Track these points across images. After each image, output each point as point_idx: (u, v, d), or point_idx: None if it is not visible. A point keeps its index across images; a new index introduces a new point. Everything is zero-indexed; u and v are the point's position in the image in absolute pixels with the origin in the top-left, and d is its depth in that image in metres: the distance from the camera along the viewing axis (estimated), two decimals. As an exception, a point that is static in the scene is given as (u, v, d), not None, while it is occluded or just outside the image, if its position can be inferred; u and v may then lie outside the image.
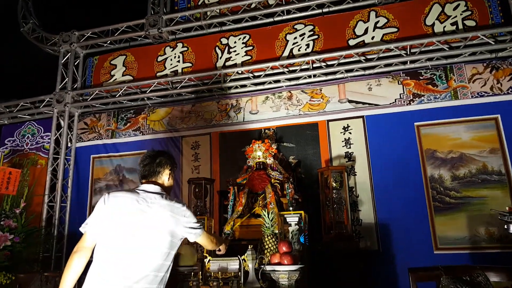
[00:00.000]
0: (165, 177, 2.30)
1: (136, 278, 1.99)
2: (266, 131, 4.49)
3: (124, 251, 2.06)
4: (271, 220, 2.81)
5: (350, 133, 4.28)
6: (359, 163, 4.16)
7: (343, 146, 4.26)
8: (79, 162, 5.12)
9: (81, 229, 2.12)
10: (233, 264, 2.53)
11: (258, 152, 3.90)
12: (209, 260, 2.49)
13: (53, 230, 4.59)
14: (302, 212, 2.75)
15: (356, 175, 4.13)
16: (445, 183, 3.90)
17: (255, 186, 3.68)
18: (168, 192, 2.31)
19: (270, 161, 3.88)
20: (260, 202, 3.61)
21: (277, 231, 2.83)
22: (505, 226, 1.65)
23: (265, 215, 2.82)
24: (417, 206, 3.88)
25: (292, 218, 2.79)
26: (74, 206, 4.89)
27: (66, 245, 4.67)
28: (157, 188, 2.23)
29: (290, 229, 2.78)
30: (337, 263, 3.22)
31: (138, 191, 2.20)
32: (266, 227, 2.82)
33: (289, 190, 3.65)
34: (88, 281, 2.03)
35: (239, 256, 2.54)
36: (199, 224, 2.19)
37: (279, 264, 2.27)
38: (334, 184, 3.67)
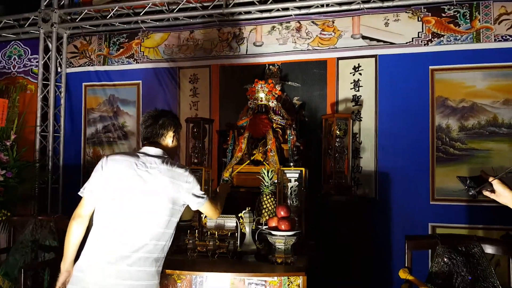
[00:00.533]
0: (168, 140, 2.17)
1: (135, 247, 1.95)
2: (271, 67, 4.19)
3: (121, 218, 2.00)
4: (270, 179, 2.72)
5: (360, 74, 4.01)
6: (366, 107, 3.97)
7: (351, 89, 4.02)
8: (71, 90, 4.87)
9: (79, 193, 2.05)
10: (230, 222, 2.51)
11: (261, 94, 3.67)
12: (206, 215, 2.46)
13: (48, 161, 4.53)
14: (303, 169, 2.65)
15: (361, 120, 3.97)
16: (452, 133, 3.78)
17: (256, 131, 3.54)
18: (172, 155, 2.19)
19: (273, 103, 3.67)
20: (260, 149, 3.49)
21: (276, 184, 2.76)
22: (467, 192, 1.66)
23: (264, 174, 2.73)
24: (420, 156, 3.80)
25: (292, 174, 2.70)
26: (68, 136, 4.76)
27: (62, 176, 4.66)
28: (158, 151, 2.11)
29: (290, 185, 2.70)
30: (336, 214, 3.24)
31: (138, 154, 2.09)
32: (265, 185, 2.75)
33: (291, 137, 3.52)
34: (87, 247, 2.00)
35: (236, 219, 2.50)
36: (203, 192, 2.10)
37: (276, 229, 2.24)
38: (338, 133, 3.53)
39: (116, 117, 4.60)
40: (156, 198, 1.97)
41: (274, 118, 3.63)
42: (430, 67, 3.86)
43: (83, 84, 4.82)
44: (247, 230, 2.44)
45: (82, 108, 4.80)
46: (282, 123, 3.58)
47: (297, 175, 2.70)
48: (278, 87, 3.74)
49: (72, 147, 4.71)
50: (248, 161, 3.44)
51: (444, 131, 3.79)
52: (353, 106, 4.01)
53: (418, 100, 3.86)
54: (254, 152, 3.51)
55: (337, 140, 3.52)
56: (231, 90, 4.28)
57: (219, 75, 4.34)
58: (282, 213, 2.26)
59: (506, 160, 3.63)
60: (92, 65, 4.81)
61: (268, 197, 2.74)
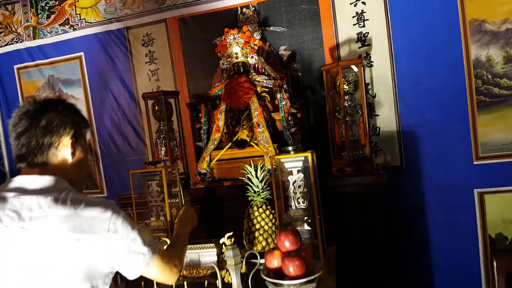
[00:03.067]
0: (63, 153, 1.23)
1: None
2: (244, 10, 3.16)
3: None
4: (262, 180, 1.82)
5: (364, 3, 2.99)
6: (377, 48, 2.99)
7: (354, 25, 3.02)
8: (2, 76, 3.85)
9: None
10: (207, 255, 1.64)
11: (235, 48, 2.69)
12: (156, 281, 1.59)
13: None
14: (309, 154, 1.74)
15: (372, 66, 3.00)
16: (495, 67, 2.83)
17: (235, 101, 2.60)
18: (77, 181, 1.27)
19: (253, 59, 2.70)
20: (244, 123, 2.57)
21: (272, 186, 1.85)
22: None
23: (250, 174, 1.82)
24: (454, 103, 2.88)
25: (294, 163, 1.79)
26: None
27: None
28: (45, 181, 1.18)
29: (291, 178, 1.81)
30: (357, 202, 2.36)
31: (6, 193, 1.15)
32: (253, 192, 1.85)
33: (284, 102, 2.58)
34: None
35: (216, 243, 1.63)
36: (144, 244, 1.21)
37: (280, 273, 1.36)
38: (347, 88, 2.59)
39: (60, 103, 3.62)
40: (47, 279, 1.09)
41: (258, 79, 2.67)
42: (459, -20, 2.83)
43: (15, 67, 3.80)
44: (234, 279, 1.54)
45: (19, 98, 3.81)
46: (268, 84, 2.63)
47: (300, 163, 1.78)
48: (257, 36, 2.74)
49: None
50: (230, 143, 2.53)
51: (484, 66, 2.84)
52: (359, 48, 3.03)
53: (445, 28, 2.87)
54: (236, 129, 2.59)
55: (346, 97, 2.59)
56: (198, 49, 3.27)
57: (179, 31, 3.31)
58: (288, 245, 1.39)
59: None
60: (21, 41, 3.76)
61: (261, 210, 1.85)
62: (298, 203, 1.81)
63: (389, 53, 2.96)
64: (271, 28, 3.15)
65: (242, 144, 2.52)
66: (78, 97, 3.56)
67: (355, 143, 2.61)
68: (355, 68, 2.63)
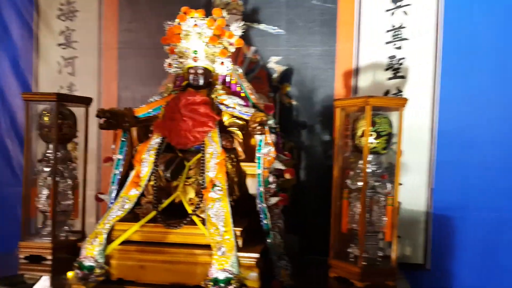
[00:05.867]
0: None
1: None
2: (224, -12, 2.03)
3: None
4: None
5: (405, 13, 1.96)
6: (414, 84, 1.95)
7: (387, 43, 1.98)
8: None
9: None
10: None
11: (194, 42, 1.55)
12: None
13: None
14: None
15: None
16: None
17: (179, 134, 1.44)
18: None
19: (223, 67, 1.57)
20: (189, 177, 1.42)
21: None
22: None
23: None
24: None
25: None
26: None
27: None
28: None
29: None
30: None
31: None
32: None
33: (265, 150, 1.46)
34: None
35: None
36: None
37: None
38: (375, 142, 1.50)
39: None
40: None
41: (227, 102, 1.54)
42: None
43: None
44: None
45: None
46: (244, 115, 1.50)
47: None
48: (236, 30, 1.60)
49: None
50: (154, 212, 1.36)
51: None
52: (388, 79, 1.98)
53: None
54: (173, 185, 1.43)
55: (370, 157, 1.50)
56: (145, 37, 2.12)
57: (118, 7, 2.14)
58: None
59: None
60: None
61: None
62: None
63: (432, 97, 1.94)
64: (262, 27, 2.05)
65: (176, 215, 1.36)
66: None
67: (372, 238, 1.51)
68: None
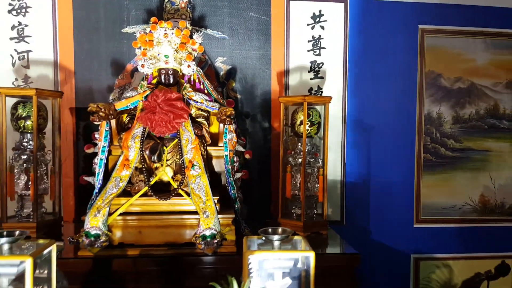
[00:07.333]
0: None
1: None
2: (174, -2, 2.32)
3: None
4: None
5: (322, 27, 2.49)
6: (330, 83, 2.51)
7: (309, 50, 2.49)
8: None
9: None
10: None
11: (165, 48, 1.85)
12: None
13: None
14: (311, 253, 1.04)
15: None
16: (444, 126, 2.63)
17: (160, 124, 1.74)
18: None
19: (189, 69, 1.90)
20: (169, 157, 1.74)
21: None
22: None
23: None
24: (402, 160, 2.59)
25: (280, 262, 1.07)
26: None
27: None
28: None
29: (271, 286, 1.08)
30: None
31: None
32: None
33: (229, 137, 1.85)
34: None
35: None
36: None
37: None
38: (310, 129, 2.00)
39: None
40: None
41: (195, 98, 1.88)
42: (420, 26, 2.58)
43: None
44: None
45: None
46: (211, 108, 1.86)
47: (291, 263, 1.06)
48: (197, 38, 1.95)
49: None
50: (146, 187, 1.66)
51: (435, 123, 2.62)
52: (311, 78, 2.50)
53: (403, 75, 2.58)
54: (155, 165, 1.74)
55: (308, 144, 2.00)
56: (99, 31, 2.30)
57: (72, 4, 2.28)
58: None
59: (506, 164, 2.69)
60: None
61: None
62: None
63: (343, 91, 2.52)
64: (208, 31, 2.39)
65: (163, 190, 1.68)
66: None
67: (309, 199, 2.02)
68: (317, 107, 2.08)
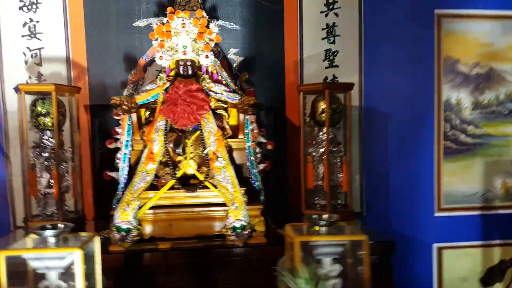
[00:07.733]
0: None
1: None
2: (186, -12, 2.27)
3: None
4: None
5: (336, 14, 2.44)
6: (345, 71, 2.46)
7: (323, 38, 2.44)
8: None
9: None
10: None
11: (183, 38, 1.81)
12: None
13: None
14: (363, 238, 1.00)
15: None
16: (463, 112, 2.59)
17: (182, 117, 1.70)
18: None
19: (207, 60, 1.86)
20: (191, 149, 1.70)
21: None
22: None
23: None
24: (422, 148, 2.54)
25: (328, 249, 1.03)
26: None
27: None
28: None
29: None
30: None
31: None
32: None
33: (250, 127, 1.82)
34: None
35: None
36: None
37: None
38: (333, 117, 1.96)
39: None
40: None
41: (214, 89, 1.85)
42: (436, 11, 2.53)
43: None
44: None
45: None
46: (231, 99, 1.83)
47: (339, 249, 1.02)
48: (214, 28, 1.91)
49: None
50: (173, 181, 1.62)
51: (454, 109, 2.57)
52: (326, 67, 2.46)
53: (420, 61, 2.53)
54: (178, 158, 1.70)
55: (331, 133, 1.96)
56: (112, 25, 2.26)
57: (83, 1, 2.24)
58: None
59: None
60: None
61: None
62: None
63: (359, 81, 2.46)
64: (220, 22, 2.33)
65: (188, 183, 1.64)
66: None
67: (333, 189, 1.98)
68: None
